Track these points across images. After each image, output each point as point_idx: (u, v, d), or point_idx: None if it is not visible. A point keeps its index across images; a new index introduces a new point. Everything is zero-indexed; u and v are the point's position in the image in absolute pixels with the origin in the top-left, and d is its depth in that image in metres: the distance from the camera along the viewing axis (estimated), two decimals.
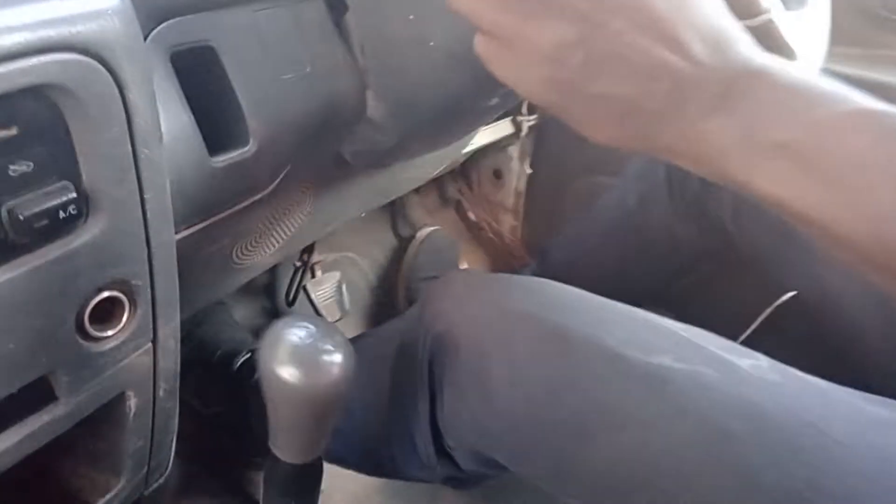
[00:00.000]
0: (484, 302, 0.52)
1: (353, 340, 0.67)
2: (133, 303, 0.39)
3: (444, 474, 0.59)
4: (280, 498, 0.39)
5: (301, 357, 0.35)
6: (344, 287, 1.04)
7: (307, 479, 0.39)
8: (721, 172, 0.34)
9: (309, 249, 0.99)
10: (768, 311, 0.69)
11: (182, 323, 0.91)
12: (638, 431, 0.43)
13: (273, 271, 1.04)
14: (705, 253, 0.81)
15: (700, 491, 0.41)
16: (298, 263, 0.99)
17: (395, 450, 0.59)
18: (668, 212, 0.79)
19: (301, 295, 1.00)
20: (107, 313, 0.38)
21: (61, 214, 0.33)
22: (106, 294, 0.37)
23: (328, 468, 0.69)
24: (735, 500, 0.40)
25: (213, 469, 0.79)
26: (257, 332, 0.95)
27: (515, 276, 0.55)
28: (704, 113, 0.33)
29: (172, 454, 0.53)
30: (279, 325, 0.37)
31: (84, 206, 0.34)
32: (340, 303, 1.03)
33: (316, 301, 1.00)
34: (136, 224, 0.37)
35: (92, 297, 0.36)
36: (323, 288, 1.01)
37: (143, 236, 0.38)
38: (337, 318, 1.02)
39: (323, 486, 0.87)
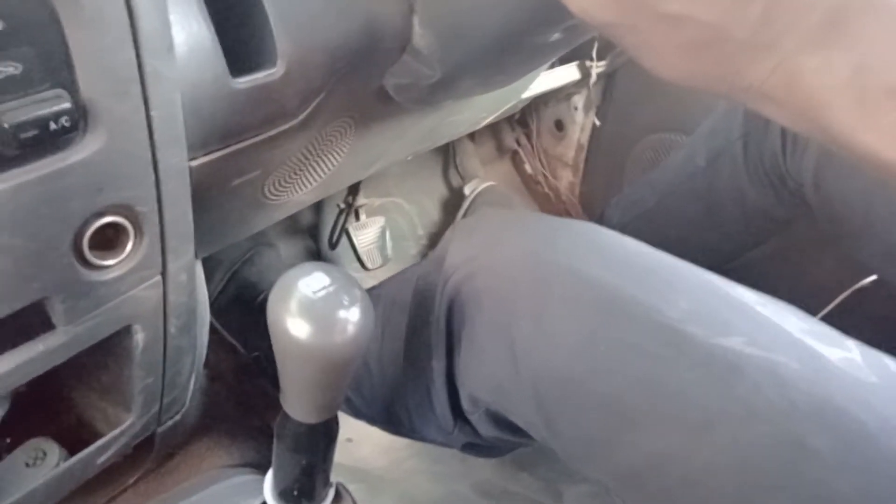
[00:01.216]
0: (518, 247, 0.45)
1: (374, 287, 0.63)
2: (139, 231, 0.36)
3: (462, 440, 0.54)
4: (290, 454, 0.36)
5: (314, 312, 0.31)
6: (388, 233, 1.00)
7: (319, 439, 0.36)
8: (819, 123, 0.27)
9: (354, 191, 0.95)
10: (845, 294, 0.61)
11: (227, 263, 0.91)
12: (694, 428, 0.36)
13: (318, 212, 1.01)
14: (779, 223, 0.71)
15: None
16: (342, 205, 0.96)
17: (412, 410, 0.54)
18: (742, 174, 0.70)
19: (343, 240, 0.97)
20: (110, 241, 0.36)
21: (52, 126, 0.29)
22: (108, 219, 0.34)
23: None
24: None
25: (247, 411, 0.79)
26: None
27: (562, 220, 0.47)
28: (805, 45, 0.26)
29: (190, 393, 0.51)
30: (290, 273, 0.33)
31: (81, 119, 0.31)
32: (382, 249, 0.99)
33: (357, 245, 0.97)
34: (140, 145, 0.34)
35: (91, 222, 0.33)
36: (366, 232, 0.97)
37: (150, 159, 0.34)
38: (378, 265, 0.99)
39: (351, 434, 0.86)
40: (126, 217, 0.35)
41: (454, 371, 0.49)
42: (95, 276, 0.35)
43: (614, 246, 0.44)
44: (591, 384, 0.40)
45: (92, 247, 0.34)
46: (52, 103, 0.29)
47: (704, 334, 0.37)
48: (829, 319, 0.44)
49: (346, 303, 0.31)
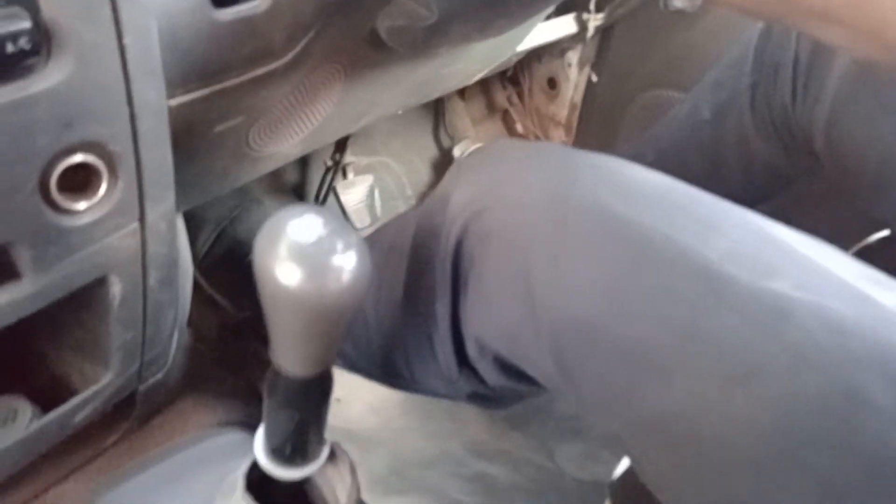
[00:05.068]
0: (534, 181, 0.40)
1: (369, 235, 0.60)
2: (113, 173, 0.33)
3: (467, 390, 0.50)
4: (282, 410, 0.34)
5: (305, 256, 0.28)
6: (376, 192, 0.97)
7: (313, 394, 0.33)
8: (888, 43, 0.25)
9: (341, 148, 0.92)
10: (855, 248, 0.59)
11: (214, 220, 0.88)
12: (733, 377, 0.32)
13: (304, 169, 0.98)
14: (783, 179, 0.69)
15: (815, 469, 0.31)
16: (329, 162, 0.93)
17: (412, 359, 0.51)
18: (748, 127, 0.67)
19: (331, 198, 0.95)
20: (82, 184, 0.33)
21: (10, 48, 0.26)
22: (78, 158, 0.31)
23: (348, 376, 0.65)
24: (862, 486, 0.30)
25: (234, 371, 0.77)
26: None
27: (583, 152, 0.43)
28: None
29: (173, 350, 0.48)
30: (279, 215, 0.30)
31: (44, 42, 0.28)
32: (371, 208, 0.97)
33: (345, 204, 0.94)
34: (113, 75, 0.31)
35: (59, 161, 0.30)
36: (354, 191, 0.94)
37: (124, 92, 0.31)
38: (367, 224, 0.96)
39: (340, 394, 0.85)
40: (99, 156, 0.32)
41: (459, 316, 0.46)
42: (66, 220, 0.32)
43: (643, 181, 0.40)
44: (615, 328, 0.36)
45: (62, 189, 0.31)
46: (9, 22, 0.26)
47: (747, 277, 0.34)
48: None
49: (340, 248, 0.29)
